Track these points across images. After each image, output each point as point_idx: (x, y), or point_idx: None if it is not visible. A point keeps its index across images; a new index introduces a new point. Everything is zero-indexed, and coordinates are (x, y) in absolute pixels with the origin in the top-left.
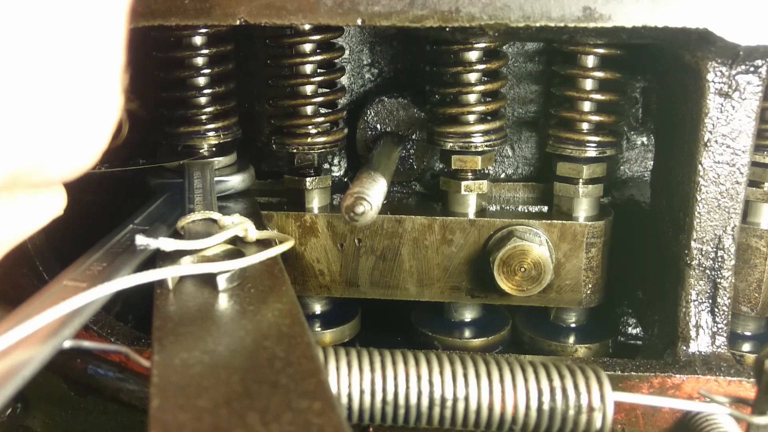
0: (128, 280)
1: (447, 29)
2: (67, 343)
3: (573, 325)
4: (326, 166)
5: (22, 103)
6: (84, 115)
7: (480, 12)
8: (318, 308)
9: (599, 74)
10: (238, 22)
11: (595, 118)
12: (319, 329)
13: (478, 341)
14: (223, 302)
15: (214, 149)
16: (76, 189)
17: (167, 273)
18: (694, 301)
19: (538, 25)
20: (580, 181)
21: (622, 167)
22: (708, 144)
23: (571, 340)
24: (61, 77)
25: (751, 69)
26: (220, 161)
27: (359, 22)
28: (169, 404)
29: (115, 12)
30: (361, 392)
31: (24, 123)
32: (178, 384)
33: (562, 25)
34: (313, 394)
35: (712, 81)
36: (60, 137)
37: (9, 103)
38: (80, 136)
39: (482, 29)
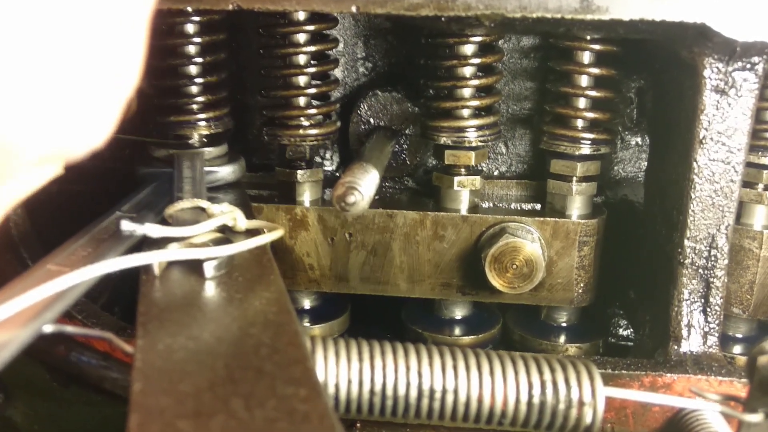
0: (112, 264)
1: (442, 19)
2: (49, 328)
3: (564, 325)
4: (318, 159)
5: (54, 82)
6: (106, 92)
7: (476, 1)
8: (307, 303)
9: (595, 71)
10: (230, 7)
11: (590, 114)
12: (307, 324)
13: (468, 339)
14: (210, 290)
15: (204, 139)
16: (62, 179)
17: (153, 257)
18: (687, 300)
19: (534, 16)
20: (574, 178)
21: (616, 167)
22: (703, 141)
23: (562, 339)
24: (91, 55)
25: (748, 66)
26: (210, 151)
27: (354, 9)
28: (152, 388)
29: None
30: (349, 382)
31: (56, 103)
32: (161, 368)
33: (558, 16)
34: (298, 381)
35: (709, 77)
36: (86, 115)
37: (42, 84)
38: (100, 113)
39: (478, 19)
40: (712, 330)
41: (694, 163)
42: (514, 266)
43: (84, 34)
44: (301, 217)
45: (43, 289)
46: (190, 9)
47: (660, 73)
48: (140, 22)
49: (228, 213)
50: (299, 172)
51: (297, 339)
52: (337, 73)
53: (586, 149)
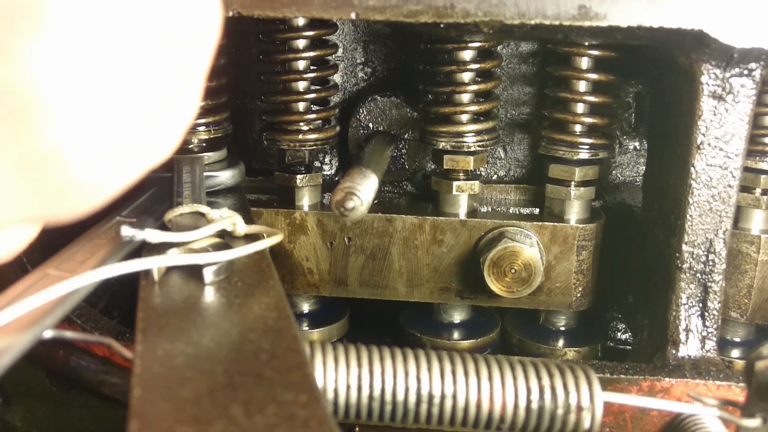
0: (112, 269)
1: (441, 25)
2: (49, 333)
3: (562, 329)
4: (317, 164)
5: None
6: (172, 121)
7: (475, 8)
8: (306, 307)
9: (593, 76)
10: (230, 14)
11: (588, 120)
12: (306, 328)
13: (466, 343)
14: (210, 295)
15: (204, 144)
16: None
17: (153, 263)
18: (684, 304)
19: (533, 22)
20: (572, 183)
21: (614, 172)
22: (701, 147)
23: (561, 343)
24: (162, 89)
25: (745, 72)
26: (210, 156)
27: (353, 15)
28: (151, 394)
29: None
30: (348, 387)
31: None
32: (160, 374)
33: (557, 23)
34: (298, 386)
35: (706, 83)
36: (156, 145)
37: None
38: (166, 140)
39: (477, 26)
40: (710, 334)
41: (692, 168)
42: (513, 270)
43: (158, 69)
44: (300, 221)
45: (43, 294)
46: None
47: (658, 78)
48: (206, 59)
49: (227, 218)
50: (298, 176)
51: (296, 344)
52: (337, 78)
53: (584, 154)
